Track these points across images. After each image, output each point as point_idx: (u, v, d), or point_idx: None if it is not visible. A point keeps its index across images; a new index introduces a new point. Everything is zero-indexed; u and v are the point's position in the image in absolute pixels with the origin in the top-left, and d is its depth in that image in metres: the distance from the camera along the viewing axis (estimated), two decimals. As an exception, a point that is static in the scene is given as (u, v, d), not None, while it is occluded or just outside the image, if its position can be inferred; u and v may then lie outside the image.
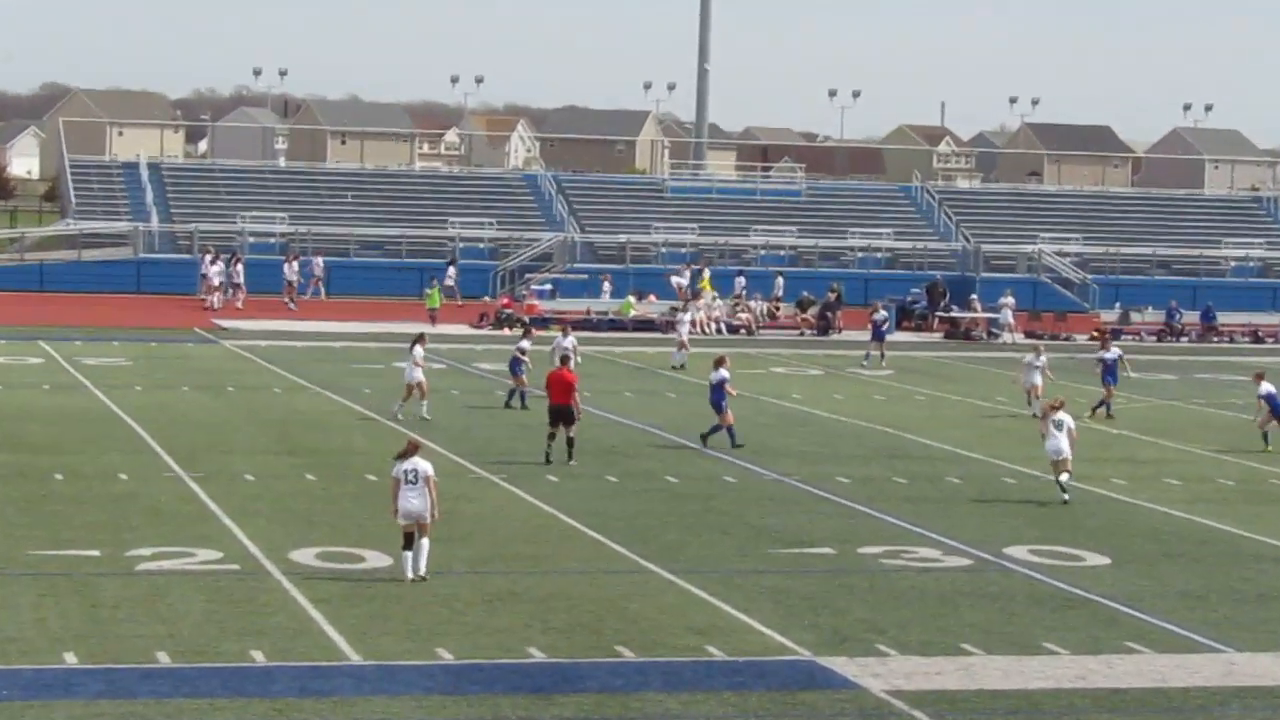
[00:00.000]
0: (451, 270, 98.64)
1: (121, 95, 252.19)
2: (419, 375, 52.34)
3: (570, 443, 45.74)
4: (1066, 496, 42.44)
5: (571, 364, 51.19)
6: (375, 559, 33.59)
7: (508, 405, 56.13)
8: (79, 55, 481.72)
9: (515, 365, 56.04)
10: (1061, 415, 42.67)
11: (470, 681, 25.86)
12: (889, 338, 79.23)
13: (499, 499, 40.94)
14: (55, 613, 28.95)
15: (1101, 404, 60.10)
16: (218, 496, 39.41)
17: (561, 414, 45.74)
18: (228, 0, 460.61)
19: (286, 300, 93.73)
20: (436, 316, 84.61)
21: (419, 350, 52.89)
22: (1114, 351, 62.08)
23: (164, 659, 26.39)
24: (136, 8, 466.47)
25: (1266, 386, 53.56)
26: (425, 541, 31.80)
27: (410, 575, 31.64)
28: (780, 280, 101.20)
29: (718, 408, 49.21)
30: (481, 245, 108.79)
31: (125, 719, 23.51)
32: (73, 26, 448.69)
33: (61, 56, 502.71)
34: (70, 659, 26.24)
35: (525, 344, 57.16)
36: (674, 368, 70.56)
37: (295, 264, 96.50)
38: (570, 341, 56.97)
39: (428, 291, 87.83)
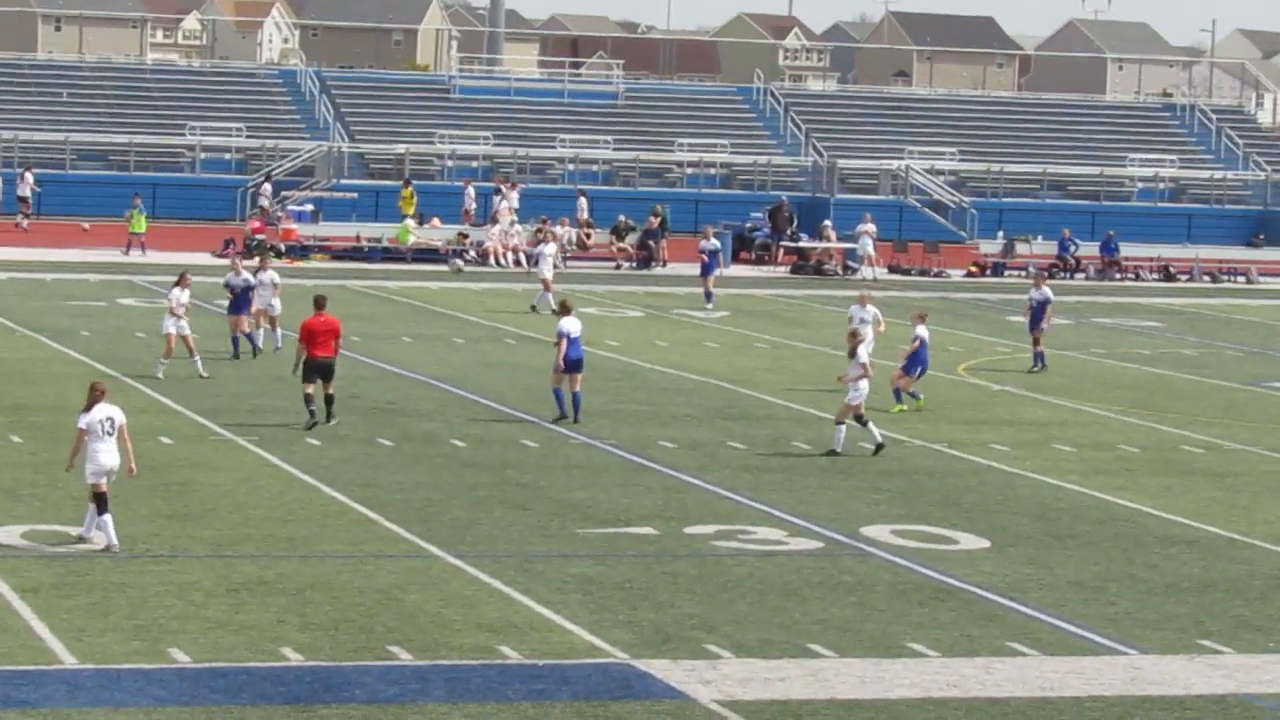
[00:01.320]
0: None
1: None
2: (181, 326, 51.74)
3: (330, 400, 45.74)
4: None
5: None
6: (96, 539, 33.43)
7: (236, 355, 55.74)
8: None
9: (242, 302, 55.49)
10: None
11: (211, 689, 25.75)
12: (723, 272, 79.62)
13: (248, 467, 40.92)
14: None
15: (1038, 358, 61.23)
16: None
17: (322, 369, 45.51)
18: None
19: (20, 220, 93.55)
20: (142, 243, 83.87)
21: (180, 293, 52.22)
22: (1045, 291, 62.22)
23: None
24: None
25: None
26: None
27: (114, 542, 31.79)
28: (583, 200, 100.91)
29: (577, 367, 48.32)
30: (228, 156, 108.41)
31: None
32: None
33: None
34: None
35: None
36: (531, 308, 70.72)
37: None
38: (269, 276, 56.77)
39: (129, 212, 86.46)
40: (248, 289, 55.39)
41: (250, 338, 55.29)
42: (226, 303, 56.71)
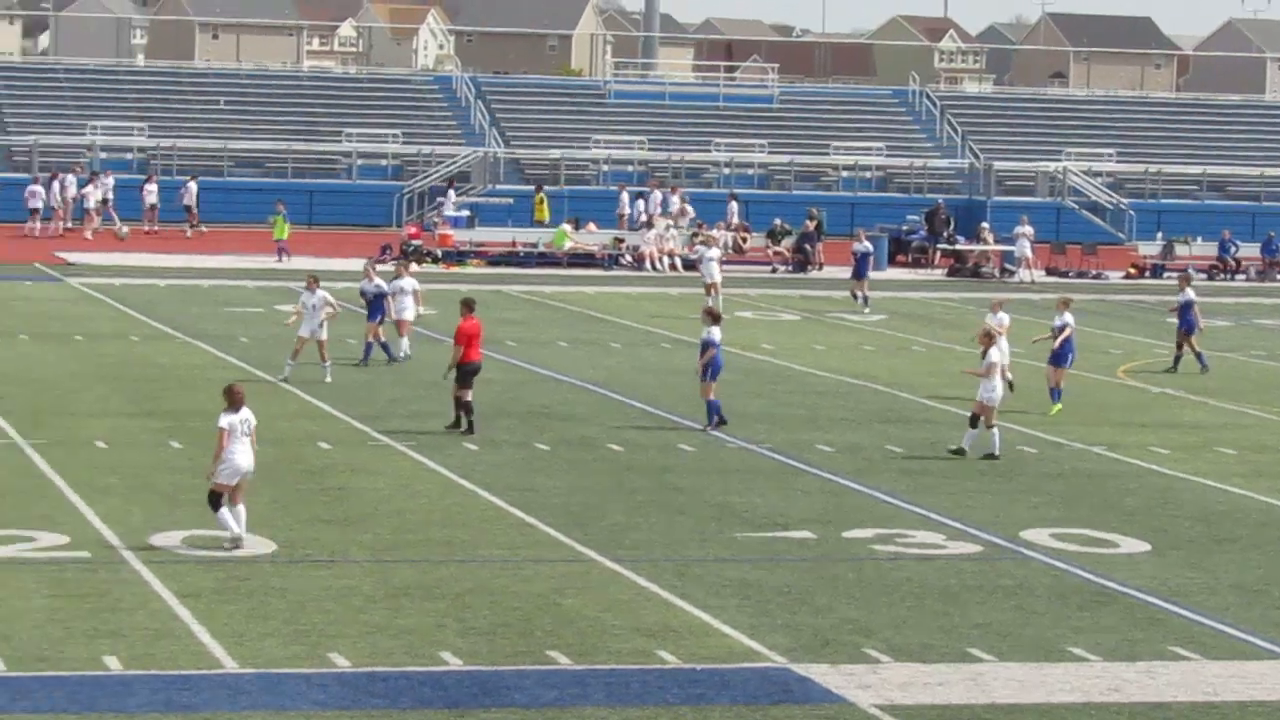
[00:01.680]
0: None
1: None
2: (316, 330, 51.90)
3: (470, 407, 45.86)
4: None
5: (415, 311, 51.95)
6: (256, 544, 33.59)
7: (364, 361, 55.71)
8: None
9: (375, 309, 55.54)
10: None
11: (370, 694, 25.85)
12: (877, 274, 79.45)
13: (406, 472, 41.00)
14: None
15: (1177, 360, 60.71)
16: (63, 469, 39.43)
17: (474, 372, 45.76)
18: None
19: (188, 229, 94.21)
20: (284, 248, 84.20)
21: (309, 297, 52.43)
22: (1188, 293, 61.17)
23: (-1, 666, 26.45)
24: None
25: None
26: (243, 506, 32.89)
27: (242, 532, 32.19)
28: (734, 205, 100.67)
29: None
30: (384, 163, 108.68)
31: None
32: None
33: None
34: None
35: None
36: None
37: (155, 185, 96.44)
38: (409, 283, 56.77)
39: (273, 218, 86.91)
40: (380, 296, 55.40)
41: (385, 346, 55.21)
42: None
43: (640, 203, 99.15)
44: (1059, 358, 50.94)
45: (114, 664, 26.67)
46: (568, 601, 30.86)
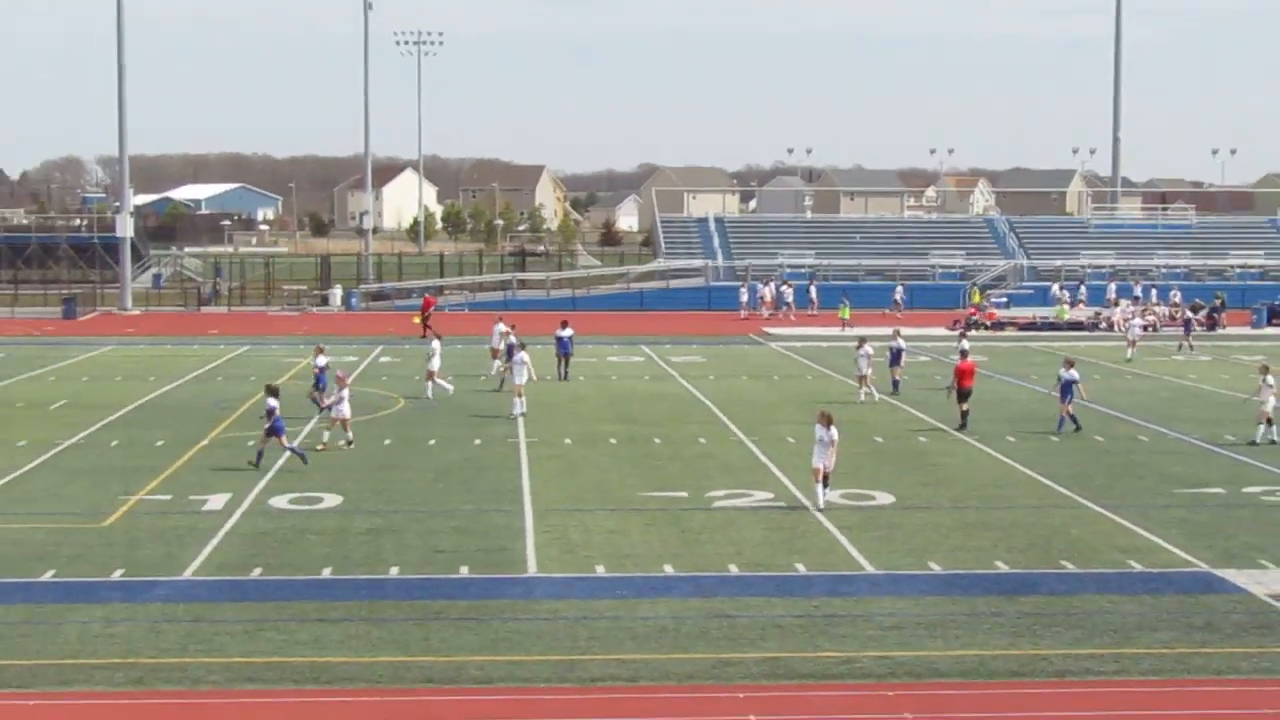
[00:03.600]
0: (898, 288, 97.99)
1: (694, 170, 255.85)
2: (860, 365, 50.99)
3: (966, 414, 44.94)
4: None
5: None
6: (882, 498, 33.58)
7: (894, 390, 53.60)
8: (666, 140, 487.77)
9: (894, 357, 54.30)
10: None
11: (954, 587, 25.76)
12: (1256, 331, 77.18)
13: (971, 453, 40.48)
14: (656, 537, 29.56)
15: None
16: (769, 453, 39.73)
17: (966, 394, 44.99)
18: (770, 97, 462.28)
19: (809, 310, 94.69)
20: (846, 323, 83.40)
21: (866, 349, 51.24)
22: None
23: (734, 569, 26.81)
24: (712, 108, 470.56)
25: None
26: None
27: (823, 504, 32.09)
28: (1175, 293, 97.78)
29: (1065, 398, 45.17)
30: (954, 269, 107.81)
31: (708, 612, 23.94)
32: (663, 115, 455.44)
33: (653, 143, 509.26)
34: (668, 569, 26.80)
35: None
36: (1127, 360, 66.14)
37: (813, 285, 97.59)
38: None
39: (840, 306, 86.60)
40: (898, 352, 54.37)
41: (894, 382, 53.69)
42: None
43: (1111, 287, 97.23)
44: None
45: (801, 568, 26.94)
46: (1072, 531, 30.30)
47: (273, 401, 37.73)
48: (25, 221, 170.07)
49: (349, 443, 40.09)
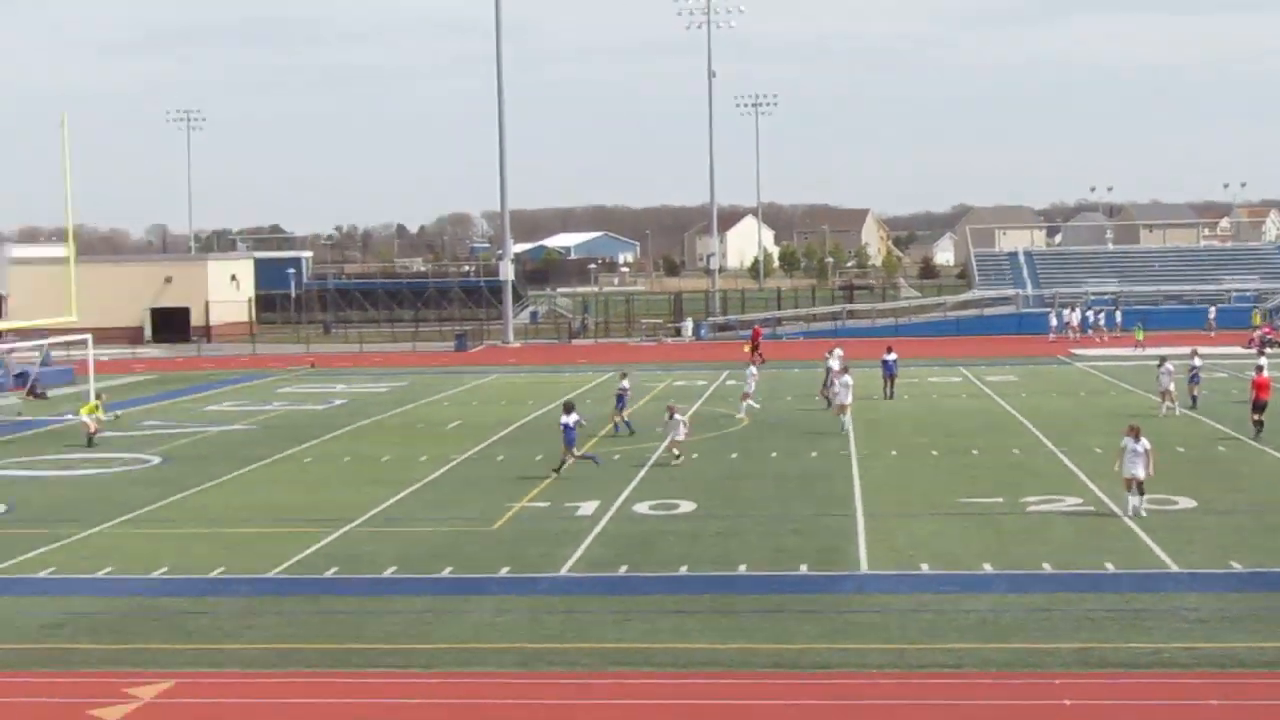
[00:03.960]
0: (1211, 309, 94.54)
1: (1004, 209, 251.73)
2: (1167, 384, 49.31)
3: (1261, 424, 43.01)
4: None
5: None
6: (1184, 503, 32.37)
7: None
8: (978, 182, 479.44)
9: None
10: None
11: (1256, 583, 24.79)
12: None
13: (1267, 461, 38.76)
14: (975, 538, 29.05)
15: None
16: (1078, 463, 38.64)
17: (1261, 406, 43.20)
18: (1073, 138, 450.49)
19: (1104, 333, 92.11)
20: (1141, 344, 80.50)
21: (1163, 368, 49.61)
22: None
23: (1047, 567, 26.20)
24: (1019, 151, 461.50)
25: None
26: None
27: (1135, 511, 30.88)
28: None
29: None
30: (1244, 293, 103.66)
31: (1024, 606, 23.44)
32: (975, 159, 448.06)
33: (966, 185, 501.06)
34: (987, 567, 26.34)
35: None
36: None
37: (1077, 310, 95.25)
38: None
39: (1135, 327, 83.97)
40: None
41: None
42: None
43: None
44: None
45: (1110, 566, 26.17)
46: (1366, 533, 28.90)
47: (567, 417, 38.59)
48: (424, 269, 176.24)
49: (678, 458, 40.23)
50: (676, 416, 40.56)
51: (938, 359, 76.89)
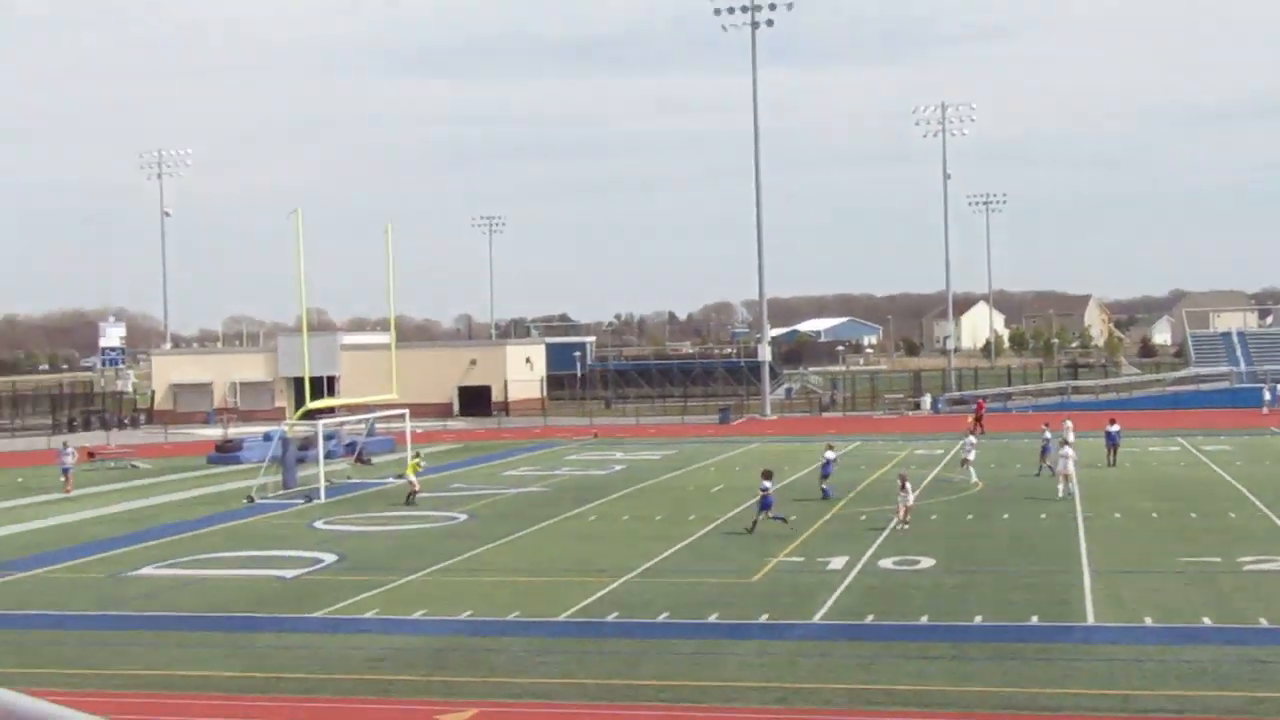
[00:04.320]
0: None
1: (1218, 293, 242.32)
2: None
3: None
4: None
5: None
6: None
7: None
8: (1193, 267, 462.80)
9: None
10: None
11: None
12: None
13: None
14: (1195, 594, 27.94)
15: None
16: (1291, 526, 37.07)
17: None
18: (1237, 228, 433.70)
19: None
20: None
21: None
22: None
23: (1264, 622, 25.04)
24: (1234, 237, 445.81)
25: None
26: None
27: None
28: None
29: None
30: None
31: (1242, 657, 22.42)
32: (1190, 246, 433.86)
33: (1181, 271, 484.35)
34: (1206, 620, 25.28)
35: None
36: None
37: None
38: None
39: None
40: None
41: None
42: None
43: None
44: None
45: (1324, 622, 24.91)
46: None
47: (766, 483, 38.89)
48: (691, 351, 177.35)
49: (905, 524, 38.97)
50: (907, 486, 39.69)
51: (1157, 430, 74.39)
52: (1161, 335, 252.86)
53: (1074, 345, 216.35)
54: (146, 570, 34.92)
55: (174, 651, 25.08)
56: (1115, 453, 55.82)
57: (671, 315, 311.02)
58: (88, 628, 27.65)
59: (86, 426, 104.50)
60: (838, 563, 33.04)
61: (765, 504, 38.54)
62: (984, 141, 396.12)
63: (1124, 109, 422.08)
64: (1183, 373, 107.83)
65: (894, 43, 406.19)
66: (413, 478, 48.98)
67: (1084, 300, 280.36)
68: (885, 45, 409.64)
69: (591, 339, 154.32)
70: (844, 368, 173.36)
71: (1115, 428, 56.17)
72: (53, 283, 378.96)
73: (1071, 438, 51.53)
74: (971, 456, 51.66)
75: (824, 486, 46.71)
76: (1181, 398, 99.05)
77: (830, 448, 49.65)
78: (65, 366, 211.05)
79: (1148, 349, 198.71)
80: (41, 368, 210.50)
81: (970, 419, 76.45)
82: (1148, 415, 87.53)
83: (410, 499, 48.09)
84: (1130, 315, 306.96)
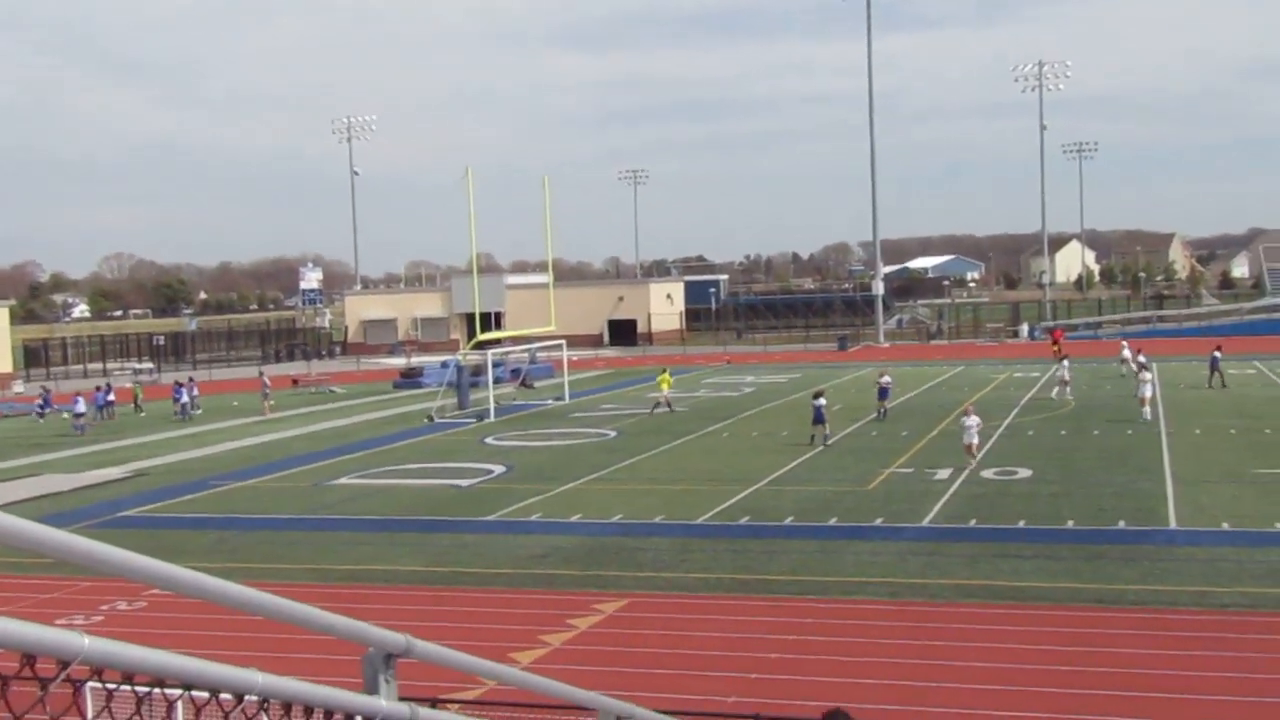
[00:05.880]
0: None
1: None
2: None
3: None
4: None
5: None
6: None
7: None
8: (1272, 207, 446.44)
9: None
10: None
11: None
12: None
13: None
14: (1268, 502, 27.23)
15: None
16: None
17: None
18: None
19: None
20: None
21: None
22: None
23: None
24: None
25: None
26: None
27: None
28: None
29: None
30: None
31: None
32: (1271, 183, 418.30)
33: (1259, 209, 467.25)
34: (1278, 526, 24.66)
35: None
36: None
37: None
38: None
39: None
40: None
41: None
42: None
43: None
44: None
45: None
46: None
47: (817, 401, 39.28)
48: (813, 287, 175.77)
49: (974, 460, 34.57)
50: (972, 417, 34.32)
51: (1235, 354, 72.15)
52: (1240, 269, 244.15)
53: (1159, 279, 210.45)
54: (343, 480, 35.83)
55: (367, 549, 25.79)
56: (1221, 376, 53.61)
57: (795, 255, 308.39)
58: (294, 529, 28.52)
59: (290, 357, 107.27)
60: (943, 473, 32.73)
61: (818, 418, 38.99)
62: (1078, 95, 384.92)
63: (1203, 64, 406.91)
64: (1259, 302, 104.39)
65: (990, 7, 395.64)
66: (665, 391, 51.38)
67: (1168, 238, 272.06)
68: (981, 10, 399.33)
69: (724, 277, 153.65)
70: (949, 300, 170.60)
71: (1219, 353, 54.73)
72: (261, 234, 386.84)
73: (1143, 359, 49.82)
74: (1068, 377, 50.68)
75: (881, 407, 45.75)
76: (1258, 325, 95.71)
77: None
78: (271, 306, 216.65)
79: (1227, 281, 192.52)
80: (251, 307, 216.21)
81: (1054, 346, 74.84)
82: (1227, 341, 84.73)
83: (665, 406, 50.10)
84: (1211, 251, 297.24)
